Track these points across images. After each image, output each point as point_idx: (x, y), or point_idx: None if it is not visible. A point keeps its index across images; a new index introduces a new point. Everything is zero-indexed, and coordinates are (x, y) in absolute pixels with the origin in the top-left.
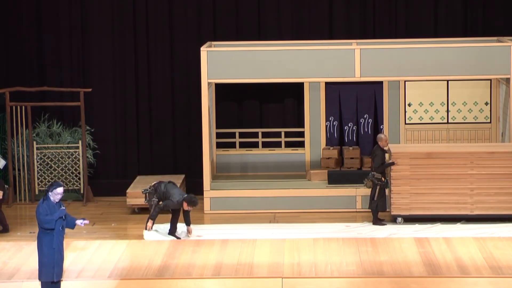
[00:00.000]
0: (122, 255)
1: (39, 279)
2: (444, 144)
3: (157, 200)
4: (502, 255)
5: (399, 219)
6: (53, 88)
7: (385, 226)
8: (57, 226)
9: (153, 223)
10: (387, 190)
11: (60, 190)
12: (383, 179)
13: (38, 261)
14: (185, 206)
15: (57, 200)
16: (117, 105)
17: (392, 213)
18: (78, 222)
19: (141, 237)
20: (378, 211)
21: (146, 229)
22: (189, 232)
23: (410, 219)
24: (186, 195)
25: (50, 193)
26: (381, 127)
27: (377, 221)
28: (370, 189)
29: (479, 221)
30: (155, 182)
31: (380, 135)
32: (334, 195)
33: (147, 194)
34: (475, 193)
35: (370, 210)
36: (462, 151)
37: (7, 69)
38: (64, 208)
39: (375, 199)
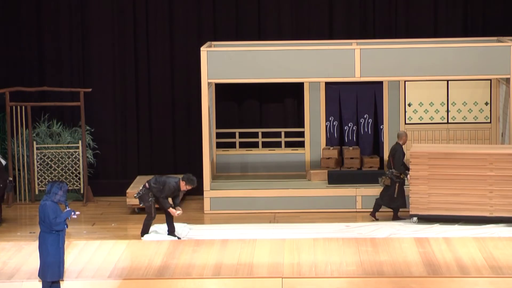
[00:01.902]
0: (122, 255)
1: (44, 278)
2: (463, 145)
3: (153, 199)
4: (502, 255)
5: (414, 218)
6: (53, 88)
7: (404, 220)
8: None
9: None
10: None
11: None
12: (401, 176)
13: (41, 261)
14: (183, 186)
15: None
16: (117, 105)
17: (410, 213)
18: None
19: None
20: (399, 208)
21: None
22: (176, 210)
23: (429, 220)
24: (183, 175)
25: (61, 193)
26: (381, 127)
27: (396, 217)
28: (383, 187)
29: (499, 223)
30: (143, 185)
31: (401, 132)
32: (334, 195)
33: (140, 197)
34: (495, 195)
35: (372, 207)
36: (481, 152)
37: (7, 69)
38: (70, 209)
39: (395, 196)
